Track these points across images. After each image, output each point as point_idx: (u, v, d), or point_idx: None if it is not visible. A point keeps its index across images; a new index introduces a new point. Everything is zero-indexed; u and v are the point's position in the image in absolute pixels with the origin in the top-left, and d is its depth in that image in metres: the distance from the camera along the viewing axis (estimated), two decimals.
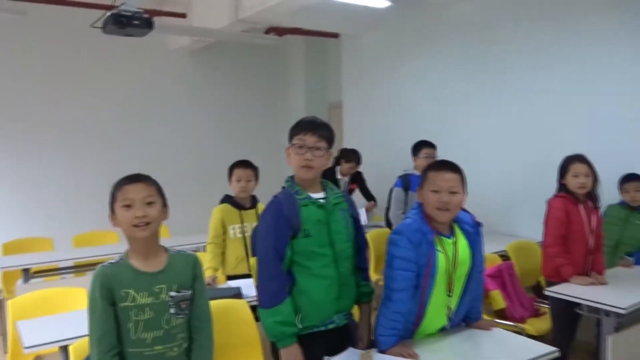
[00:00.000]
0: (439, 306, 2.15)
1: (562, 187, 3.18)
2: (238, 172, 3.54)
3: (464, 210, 2.23)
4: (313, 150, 2.09)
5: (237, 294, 2.91)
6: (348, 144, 6.35)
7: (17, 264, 3.87)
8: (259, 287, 2.11)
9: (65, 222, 5.72)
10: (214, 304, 2.48)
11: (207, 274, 3.35)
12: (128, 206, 1.78)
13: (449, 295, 2.15)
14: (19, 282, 3.91)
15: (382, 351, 2.07)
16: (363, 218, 4.73)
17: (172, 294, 1.81)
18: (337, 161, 5.37)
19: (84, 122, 6.31)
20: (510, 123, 4.66)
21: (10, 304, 2.86)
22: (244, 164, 3.58)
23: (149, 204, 1.81)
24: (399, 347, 2.06)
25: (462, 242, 2.17)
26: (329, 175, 5.30)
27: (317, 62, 7.70)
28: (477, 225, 2.23)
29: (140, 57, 6.62)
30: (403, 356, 2.00)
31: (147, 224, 1.78)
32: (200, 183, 6.87)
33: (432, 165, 2.26)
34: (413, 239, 2.06)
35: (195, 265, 1.93)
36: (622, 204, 3.67)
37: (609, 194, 3.52)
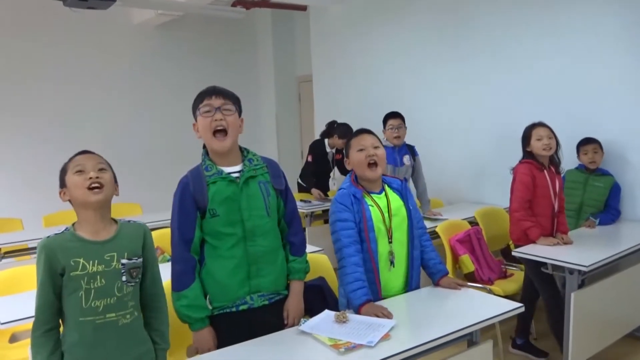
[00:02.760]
0: (385, 254, 2.30)
1: (528, 155, 3.27)
2: None
3: (392, 176, 2.54)
4: (222, 110, 2.02)
5: None
6: (319, 118, 6.37)
7: None
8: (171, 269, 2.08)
9: (34, 202, 5.61)
10: None
11: None
12: (80, 171, 1.75)
13: (390, 242, 2.31)
14: None
15: (357, 307, 2.14)
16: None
17: (124, 261, 1.78)
18: (327, 134, 5.39)
19: (49, 100, 6.14)
20: (475, 95, 4.74)
21: None
22: None
23: (101, 170, 1.78)
24: (370, 306, 2.12)
25: (393, 195, 2.40)
26: (318, 147, 5.35)
27: (285, 36, 7.65)
28: (404, 182, 2.48)
29: (104, 32, 6.46)
30: (377, 315, 2.06)
31: (101, 186, 1.75)
32: (169, 159, 6.81)
33: (352, 134, 2.48)
34: (345, 202, 2.29)
35: (145, 234, 1.89)
36: (580, 168, 3.80)
37: (568, 160, 3.64)
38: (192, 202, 2.00)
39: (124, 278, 1.78)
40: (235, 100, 2.09)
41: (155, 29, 6.91)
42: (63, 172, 1.81)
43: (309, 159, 5.40)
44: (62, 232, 1.77)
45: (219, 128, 2.01)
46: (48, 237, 1.74)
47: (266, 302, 2.12)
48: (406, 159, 4.23)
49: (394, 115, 4.25)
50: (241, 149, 2.14)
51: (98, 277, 1.73)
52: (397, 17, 5.37)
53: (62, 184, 1.80)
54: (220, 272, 2.04)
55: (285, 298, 2.19)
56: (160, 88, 7.00)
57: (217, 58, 7.45)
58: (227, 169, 2.06)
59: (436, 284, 2.45)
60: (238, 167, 2.08)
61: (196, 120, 2.07)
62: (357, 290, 2.16)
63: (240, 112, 2.11)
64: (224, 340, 2.02)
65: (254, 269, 2.06)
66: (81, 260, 1.71)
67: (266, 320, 2.08)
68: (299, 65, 7.61)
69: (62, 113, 6.24)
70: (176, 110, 7.08)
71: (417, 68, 5.23)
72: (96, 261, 1.73)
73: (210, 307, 2.05)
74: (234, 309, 2.07)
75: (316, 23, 6.41)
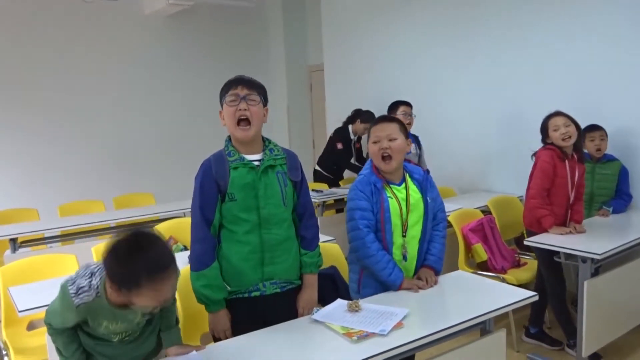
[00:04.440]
0: (398, 248, 2.30)
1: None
2: None
3: (414, 164, 2.49)
4: (247, 99, 2.04)
5: None
6: (330, 106, 6.36)
7: (4, 234, 3.85)
8: (190, 250, 2.10)
9: (50, 193, 5.69)
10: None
11: None
12: None
13: (404, 236, 2.29)
14: (7, 252, 3.90)
15: (398, 286, 2.23)
16: None
17: (147, 316, 1.75)
18: (351, 119, 5.39)
19: (63, 92, 6.18)
20: (486, 83, 4.69)
21: (0, 272, 2.88)
22: None
23: None
24: (407, 282, 2.24)
25: (413, 188, 2.34)
26: (342, 132, 5.38)
27: (296, 24, 7.60)
28: (425, 172, 2.40)
29: (114, 22, 6.47)
30: (414, 287, 2.21)
31: None
32: (181, 150, 6.83)
33: (374, 122, 2.41)
34: (365, 190, 2.27)
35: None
36: (585, 158, 3.71)
37: None
38: (213, 184, 2.02)
39: (144, 321, 1.77)
40: (261, 91, 2.11)
41: (166, 20, 6.91)
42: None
43: (340, 146, 5.38)
44: (94, 297, 1.61)
45: (242, 117, 2.03)
46: (80, 302, 1.60)
47: (278, 290, 2.13)
48: (412, 147, 4.23)
49: (406, 103, 4.28)
50: (263, 139, 2.16)
51: (120, 330, 1.72)
52: (408, 5, 5.32)
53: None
54: (235, 256, 2.06)
55: (297, 288, 2.20)
56: (171, 79, 7.00)
57: (228, 48, 7.42)
58: (248, 157, 2.08)
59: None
60: (259, 156, 2.10)
61: (222, 108, 2.10)
62: (392, 275, 2.22)
63: (265, 102, 2.12)
64: (234, 325, 2.05)
65: (267, 257, 2.08)
66: (104, 322, 1.67)
67: (277, 308, 2.09)
68: (310, 55, 7.58)
69: (75, 105, 6.27)
70: (188, 101, 7.13)
71: (428, 56, 5.18)
72: (119, 321, 1.69)
73: (229, 289, 2.07)
74: (246, 295, 2.09)
75: (327, 11, 6.37)
